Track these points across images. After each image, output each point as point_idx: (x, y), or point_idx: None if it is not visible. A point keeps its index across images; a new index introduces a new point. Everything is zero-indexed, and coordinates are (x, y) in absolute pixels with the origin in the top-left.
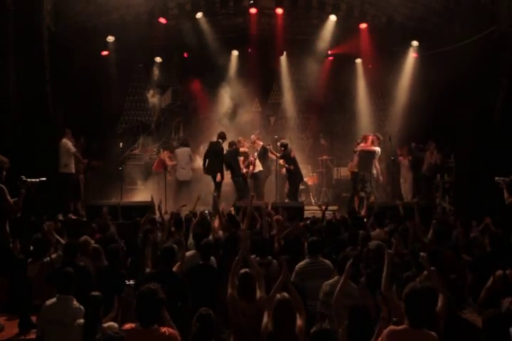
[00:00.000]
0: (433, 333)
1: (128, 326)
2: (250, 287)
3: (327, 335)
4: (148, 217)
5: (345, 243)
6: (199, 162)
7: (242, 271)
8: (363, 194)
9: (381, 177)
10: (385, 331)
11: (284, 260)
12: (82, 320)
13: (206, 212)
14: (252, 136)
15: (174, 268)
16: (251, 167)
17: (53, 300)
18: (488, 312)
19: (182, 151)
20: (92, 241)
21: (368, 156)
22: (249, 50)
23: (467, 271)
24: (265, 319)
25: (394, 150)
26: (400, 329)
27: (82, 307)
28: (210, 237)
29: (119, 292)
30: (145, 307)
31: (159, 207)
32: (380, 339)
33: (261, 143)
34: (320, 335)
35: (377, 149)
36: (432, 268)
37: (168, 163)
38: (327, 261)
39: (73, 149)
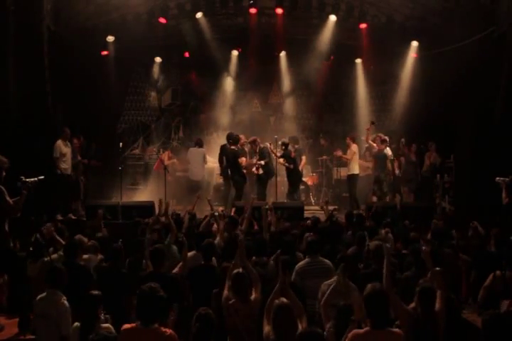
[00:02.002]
0: (397, 330)
1: (129, 325)
2: (243, 287)
3: (315, 337)
4: (156, 219)
5: (348, 243)
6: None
7: (235, 271)
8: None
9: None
10: (349, 335)
11: (281, 262)
12: (78, 323)
13: (216, 214)
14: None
15: (176, 268)
16: (255, 168)
17: (43, 294)
18: (487, 313)
19: (196, 151)
20: (86, 239)
21: (383, 157)
22: (240, 50)
23: (467, 271)
24: (266, 327)
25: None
26: (362, 332)
27: (66, 303)
28: (218, 238)
29: (120, 292)
30: (145, 306)
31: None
32: None
33: (258, 146)
34: (307, 337)
35: (389, 150)
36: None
37: (167, 161)
38: (327, 261)
39: (64, 151)
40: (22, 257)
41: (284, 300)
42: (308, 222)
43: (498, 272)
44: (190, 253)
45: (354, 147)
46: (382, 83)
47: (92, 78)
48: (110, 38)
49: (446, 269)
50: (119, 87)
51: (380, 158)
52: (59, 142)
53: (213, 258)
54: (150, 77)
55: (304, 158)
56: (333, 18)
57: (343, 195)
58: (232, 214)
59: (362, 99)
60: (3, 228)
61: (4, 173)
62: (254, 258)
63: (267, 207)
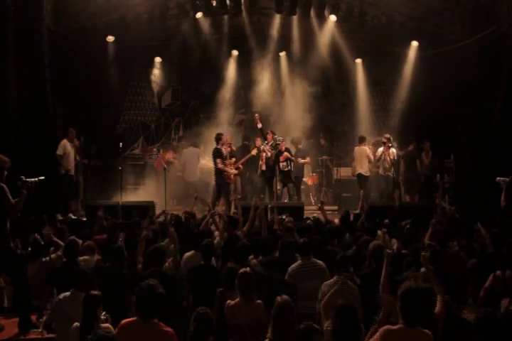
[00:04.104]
0: (428, 331)
1: (128, 320)
2: (248, 286)
3: (313, 331)
4: (150, 220)
5: (347, 244)
6: (203, 162)
7: (241, 270)
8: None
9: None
10: (380, 330)
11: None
12: (77, 323)
13: (216, 214)
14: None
15: (167, 263)
16: (261, 161)
17: (67, 293)
18: (481, 311)
19: (190, 152)
20: (80, 241)
21: (411, 157)
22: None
23: (468, 271)
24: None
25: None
26: (395, 329)
27: None
28: (218, 238)
29: (120, 292)
30: (144, 302)
31: (164, 212)
32: (374, 338)
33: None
34: (306, 331)
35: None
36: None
37: (172, 160)
38: (319, 262)
39: (68, 150)
40: (22, 257)
41: (286, 297)
42: (309, 221)
43: (498, 272)
44: (189, 253)
45: (356, 149)
46: (382, 83)
47: (92, 78)
48: (110, 38)
49: (447, 270)
50: (119, 87)
51: (410, 159)
52: (65, 141)
53: (212, 258)
54: (150, 77)
55: (308, 158)
56: (333, 18)
57: (343, 194)
58: (232, 214)
59: (362, 99)
60: (4, 227)
61: (6, 173)
62: (260, 257)
63: (270, 206)
